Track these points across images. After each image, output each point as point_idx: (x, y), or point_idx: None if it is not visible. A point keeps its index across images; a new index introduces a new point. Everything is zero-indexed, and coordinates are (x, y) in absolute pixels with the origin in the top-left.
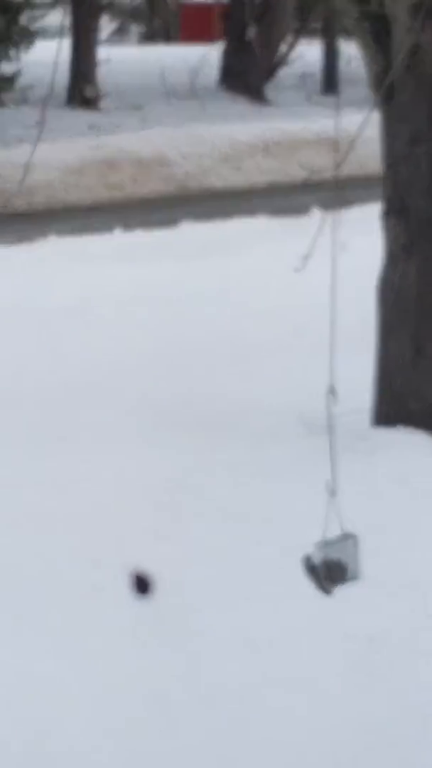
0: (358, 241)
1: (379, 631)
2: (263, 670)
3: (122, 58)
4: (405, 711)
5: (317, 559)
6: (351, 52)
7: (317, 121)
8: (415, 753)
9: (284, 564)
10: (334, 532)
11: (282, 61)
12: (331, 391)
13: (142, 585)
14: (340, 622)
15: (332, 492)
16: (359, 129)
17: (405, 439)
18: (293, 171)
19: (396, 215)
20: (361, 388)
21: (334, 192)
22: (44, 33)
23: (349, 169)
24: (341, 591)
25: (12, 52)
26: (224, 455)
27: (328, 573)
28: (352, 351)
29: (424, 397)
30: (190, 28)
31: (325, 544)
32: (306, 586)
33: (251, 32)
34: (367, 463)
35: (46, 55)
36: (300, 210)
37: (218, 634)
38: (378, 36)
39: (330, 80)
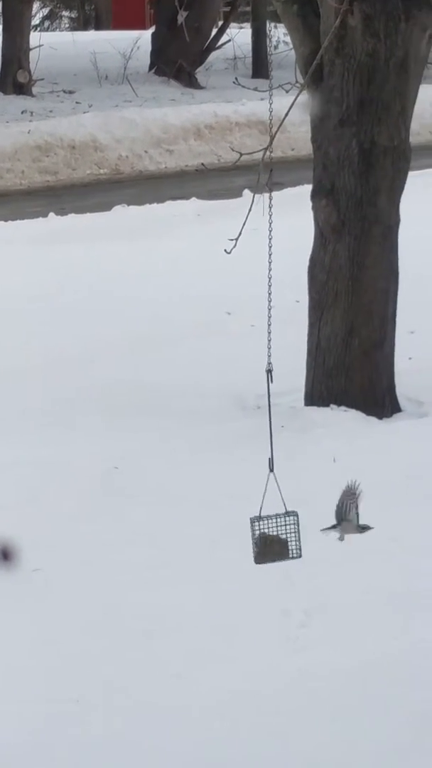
0: (289, 222)
1: (315, 605)
2: (202, 648)
3: (55, 44)
4: (343, 683)
5: (256, 529)
6: (280, 35)
7: (247, 104)
8: (345, 725)
9: (222, 543)
10: (274, 508)
11: (213, 46)
12: (269, 371)
13: (5, 554)
14: (276, 598)
15: (271, 468)
16: (289, 111)
17: (337, 417)
18: (225, 154)
19: (326, 196)
20: (295, 368)
21: (263, 174)
22: None
23: (281, 150)
24: (277, 567)
25: None
26: (161, 438)
27: (265, 547)
28: (286, 331)
29: (356, 375)
30: (121, 15)
31: (264, 517)
32: (245, 563)
33: (182, 17)
34: (301, 441)
35: None
36: (232, 192)
37: (156, 613)
38: (306, 19)
39: (259, 64)
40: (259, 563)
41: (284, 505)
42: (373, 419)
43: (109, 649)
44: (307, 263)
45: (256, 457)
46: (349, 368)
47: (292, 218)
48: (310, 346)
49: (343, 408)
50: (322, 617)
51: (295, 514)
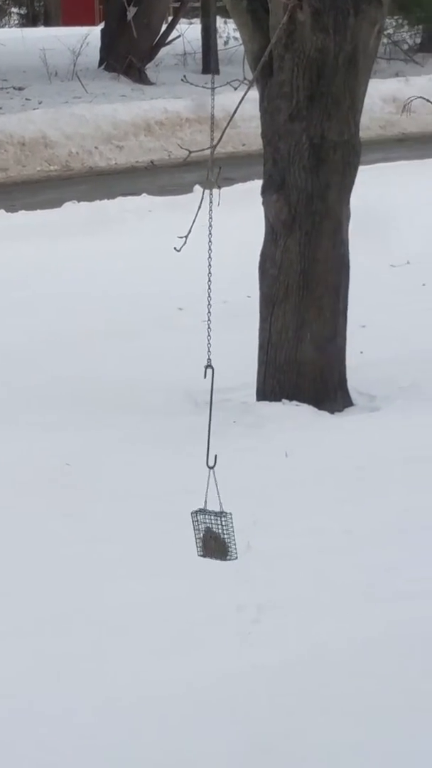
0: (240, 218)
1: (266, 600)
2: (156, 644)
3: (4, 40)
4: (294, 677)
5: (200, 523)
6: (230, 31)
7: (196, 100)
8: (297, 717)
9: (174, 538)
10: (215, 506)
11: (162, 41)
12: (209, 367)
13: None
14: (231, 593)
15: (210, 467)
16: (237, 107)
17: (289, 412)
18: (175, 150)
19: (276, 191)
20: (247, 363)
21: (211, 169)
22: None
23: (231, 146)
24: (231, 563)
25: None
26: (112, 433)
27: (207, 542)
28: (237, 326)
29: (307, 370)
30: (71, 11)
31: (204, 511)
32: (197, 559)
33: (131, 13)
34: (253, 436)
35: None
36: (183, 188)
37: (108, 609)
38: (255, 14)
39: (209, 59)
40: (201, 557)
41: (220, 504)
42: (324, 414)
43: (60, 648)
44: (258, 258)
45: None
46: (301, 363)
47: (243, 213)
48: (262, 341)
49: (294, 403)
50: (274, 612)
51: (229, 515)
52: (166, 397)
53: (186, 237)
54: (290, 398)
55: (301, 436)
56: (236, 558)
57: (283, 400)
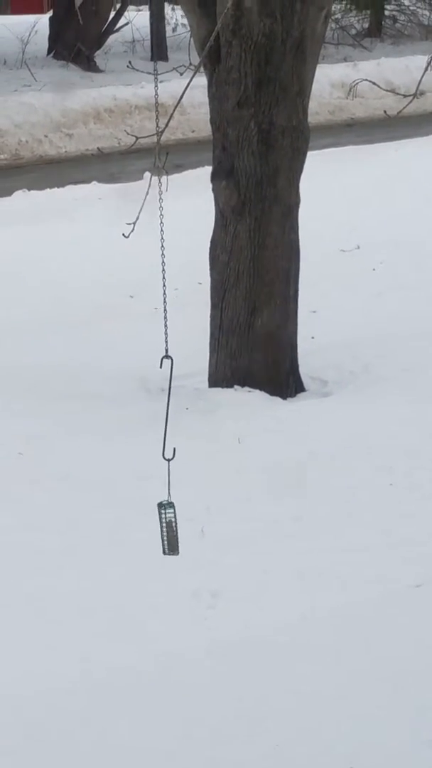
0: (191, 204)
1: (219, 586)
2: (111, 631)
3: None
4: (250, 659)
5: (165, 516)
6: (178, 17)
7: (146, 87)
8: (250, 699)
9: (126, 526)
10: (174, 496)
11: (111, 29)
12: (166, 357)
13: None
14: (184, 580)
15: (165, 457)
16: (183, 93)
17: (241, 398)
18: (125, 137)
19: (226, 177)
20: (199, 350)
21: (158, 157)
22: None
23: (181, 132)
24: (184, 550)
25: None
26: (65, 422)
27: (166, 534)
28: (189, 313)
29: (259, 356)
30: (19, 0)
31: (166, 504)
32: (153, 545)
33: (79, 0)
34: (205, 422)
35: None
36: (133, 175)
37: (63, 597)
38: (203, 1)
39: (158, 46)
40: (167, 554)
41: (168, 495)
42: (277, 399)
43: (9, 635)
44: (209, 245)
45: (161, 440)
46: (253, 349)
47: (193, 200)
48: (213, 327)
49: (247, 389)
50: (228, 596)
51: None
52: (118, 385)
53: (134, 224)
54: (242, 384)
55: (253, 423)
56: (178, 554)
57: (236, 387)
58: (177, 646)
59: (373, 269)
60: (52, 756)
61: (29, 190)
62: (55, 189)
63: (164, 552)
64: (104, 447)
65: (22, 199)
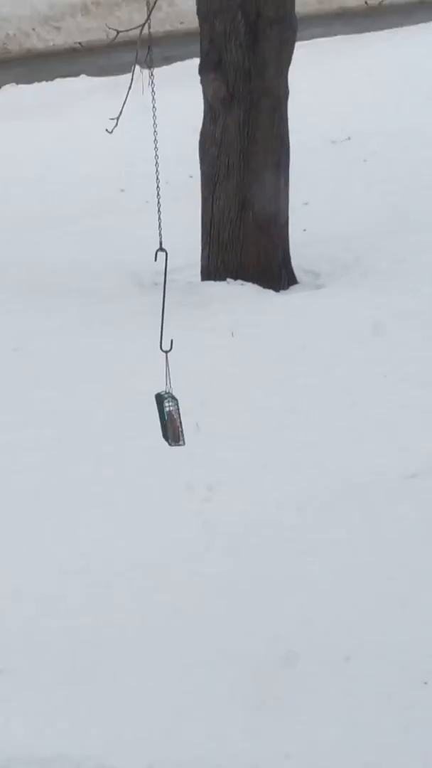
0: (181, 97)
1: (215, 480)
2: (107, 524)
3: None
4: (246, 551)
5: (166, 406)
6: None
7: None
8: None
9: (121, 421)
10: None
11: None
12: (161, 250)
13: None
14: (180, 474)
15: (163, 349)
16: None
17: (234, 291)
18: (112, 30)
19: (214, 69)
20: (191, 243)
21: (146, 50)
22: None
23: (169, 24)
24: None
25: None
26: (59, 318)
27: (167, 426)
28: (180, 207)
29: (251, 249)
30: None
31: (167, 396)
32: (148, 439)
33: None
34: (199, 316)
35: None
36: (122, 68)
37: (58, 491)
38: None
39: None
40: (172, 445)
41: (167, 386)
42: (269, 292)
43: (7, 530)
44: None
45: (155, 334)
46: (244, 242)
47: (183, 93)
48: (205, 221)
49: (239, 282)
50: (223, 490)
51: (176, 400)
52: (112, 280)
53: (117, 119)
54: (235, 277)
55: (246, 316)
56: (184, 444)
57: (228, 280)
58: (172, 539)
59: (364, 160)
60: (55, 643)
61: (18, 84)
62: (44, 83)
63: (168, 443)
64: (98, 342)
65: (11, 93)
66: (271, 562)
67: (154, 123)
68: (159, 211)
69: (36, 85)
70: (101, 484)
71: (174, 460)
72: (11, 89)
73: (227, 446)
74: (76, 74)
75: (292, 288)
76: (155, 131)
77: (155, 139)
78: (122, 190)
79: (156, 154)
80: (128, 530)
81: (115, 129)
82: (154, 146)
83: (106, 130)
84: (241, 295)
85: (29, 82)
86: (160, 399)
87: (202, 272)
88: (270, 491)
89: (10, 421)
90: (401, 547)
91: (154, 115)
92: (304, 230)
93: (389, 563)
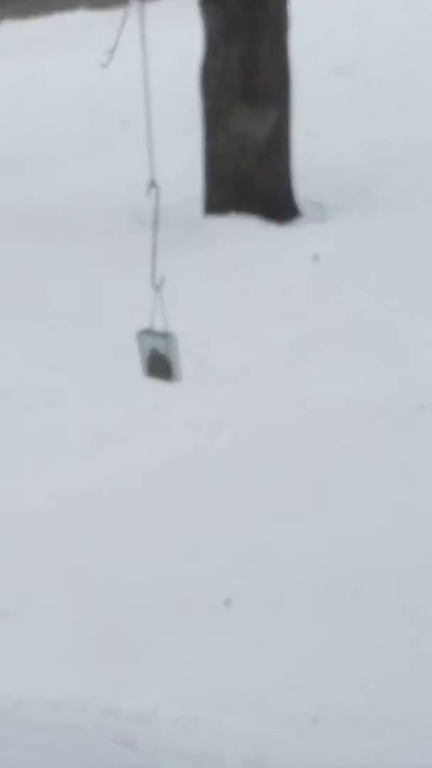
0: (182, 30)
1: (222, 418)
2: (113, 462)
3: None
4: (252, 488)
5: (145, 344)
6: None
7: None
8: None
9: (124, 360)
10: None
11: None
12: (153, 185)
13: None
14: (183, 412)
15: (157, 287)
16: None
17: (237, 225)
18: None
19: (213, 1)
20: (194, 177)
21: None
22: None
23: None
24: (186, 382)
25: None
26: (59, 256)
27: (153, 362)
28: (182, 141)
29: (254, 181)
30: None
31: (150, 332)
32: (150, 381)
33: None
34: (202, 252)
35: None
36: (121, 1)
37: (60, 429)
38: None
39: None
40: (148, 377)
41: (165, 325)
42: (273, 225)
43: (9, 464)
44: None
45: (158, 271)
46: (247, 174)
47: (185, 25)
48: (207, 154)
49: (242, 215)
50: (228, 428)
51: (174, 336)
52: (113, 218)
53: (111, 53)
54: (238, 210)
55: (249, 250)
56: (180, 380)
57: (231, 213)
58: (179, 476)
59: (368, 88)
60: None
61: (15, 19)
62: (41, 18)
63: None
64: (99, 283)
65: (10, 28)
66: (273, 499)
67: (144, 52)
68: (149, 145)
69: (33, 20)
70: (104, 423)
71: (179, 398)
72: (9, 25)
73: (232, 383)
74: (74, 7)
75: (297, 221)
76: (144, 61)
77: (144, 71)
78: (125, 122)
79: (145, 87)
80: (134, 466)
81: (116, 64)
82: (143, 77)
83: (101, 64)
84: (244, 228)
85: (25, 17)
86: (142, 336)
87: (204, 206)
88: (274, 427)
89: (9, 359)
90: (410, 479)
91: (143, 44)
92: (309, 161)
93: (398, 495)
